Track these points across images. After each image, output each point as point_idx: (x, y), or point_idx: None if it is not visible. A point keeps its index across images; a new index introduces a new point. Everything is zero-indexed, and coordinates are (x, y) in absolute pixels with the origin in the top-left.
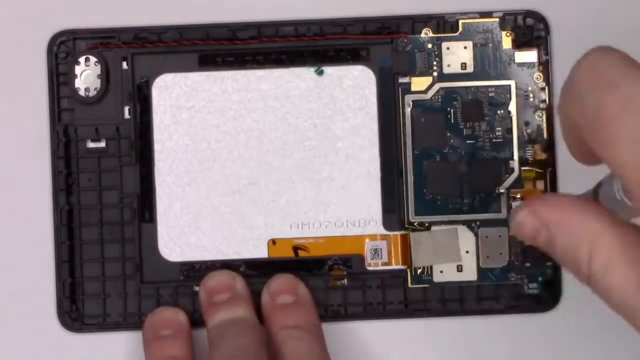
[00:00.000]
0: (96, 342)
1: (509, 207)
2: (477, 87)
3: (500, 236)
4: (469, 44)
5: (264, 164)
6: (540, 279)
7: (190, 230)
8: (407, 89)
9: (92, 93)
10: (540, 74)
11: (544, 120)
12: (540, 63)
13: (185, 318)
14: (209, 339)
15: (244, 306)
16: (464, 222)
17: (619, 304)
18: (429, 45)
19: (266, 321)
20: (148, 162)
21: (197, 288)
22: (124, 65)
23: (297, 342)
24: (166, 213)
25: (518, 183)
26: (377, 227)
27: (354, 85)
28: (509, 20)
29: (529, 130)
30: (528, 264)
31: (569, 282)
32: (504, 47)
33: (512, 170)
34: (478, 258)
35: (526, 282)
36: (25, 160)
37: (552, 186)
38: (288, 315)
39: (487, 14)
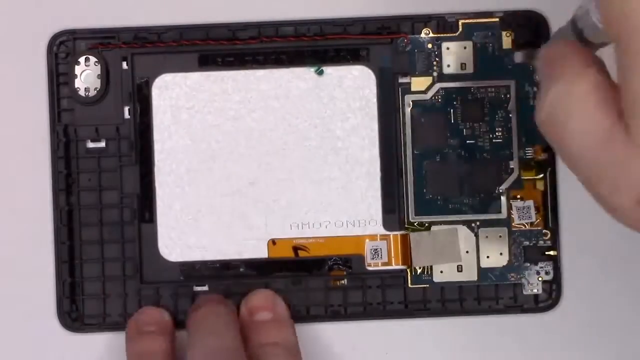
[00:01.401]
0: (96, 342)
1: (509, 207)
2: (477, 87)
3: (500, 236)
4: (469, 44)
5: (264, 164)
6: (540, 279)
7: (190, 230)
8: (407, 89)
9: (92, 93)
10: None
11: None
12: None
13: (169, 317)
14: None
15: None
16: (464, 222)
17: (577, 155)
18: (429, 45)
19: (243, 336)
20: (148, 162)
21: (197, 288)
22: (124, 65)
23: (274, 358)
24: (166, 213)
25: (518, 183)
26: (377, 227)
27: (354, 85)
28: (509, 20)
29: (529, 131)
30: (528, 264)
31: (569, 282)
32: (504, 47)
33: (512, 170)
34: (478, 258)
35: (526, 282)
36: (25, 160)
37: (552, 186)
38: (266, 333)
39: (487, 14)
